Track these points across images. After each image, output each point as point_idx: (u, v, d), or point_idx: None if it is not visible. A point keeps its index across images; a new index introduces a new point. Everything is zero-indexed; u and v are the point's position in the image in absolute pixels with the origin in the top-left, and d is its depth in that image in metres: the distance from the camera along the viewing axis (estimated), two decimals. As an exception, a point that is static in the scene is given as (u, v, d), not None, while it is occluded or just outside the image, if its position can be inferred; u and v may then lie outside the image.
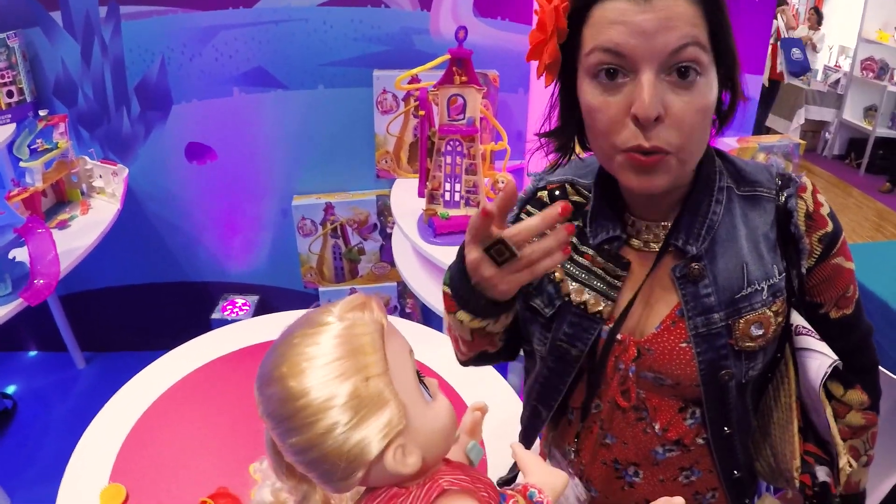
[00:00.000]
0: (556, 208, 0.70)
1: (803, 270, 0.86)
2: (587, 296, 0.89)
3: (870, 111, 6.45)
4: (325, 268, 2.82)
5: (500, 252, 0.72)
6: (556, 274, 0.91)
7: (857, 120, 6.55)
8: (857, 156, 6.52)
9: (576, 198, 0.94)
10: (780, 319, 0.86)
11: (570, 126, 0.86)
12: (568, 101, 0.84)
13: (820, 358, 0.86)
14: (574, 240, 0.92)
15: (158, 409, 1.50)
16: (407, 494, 0.66)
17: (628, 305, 0.87)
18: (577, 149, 0.89)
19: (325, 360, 0.62)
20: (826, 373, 0.85)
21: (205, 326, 2.02)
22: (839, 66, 7.02)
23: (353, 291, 2.81)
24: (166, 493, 1.28)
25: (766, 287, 0.84)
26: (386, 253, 2.79)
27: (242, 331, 1.81)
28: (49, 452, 2.44)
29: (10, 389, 2.79)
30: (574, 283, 0.90)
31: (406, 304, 2.90)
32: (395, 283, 2.85)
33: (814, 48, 6.93)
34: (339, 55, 2.50)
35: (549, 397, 0.95)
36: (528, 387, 1.00)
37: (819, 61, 7.27)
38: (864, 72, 6.39)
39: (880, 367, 1.53)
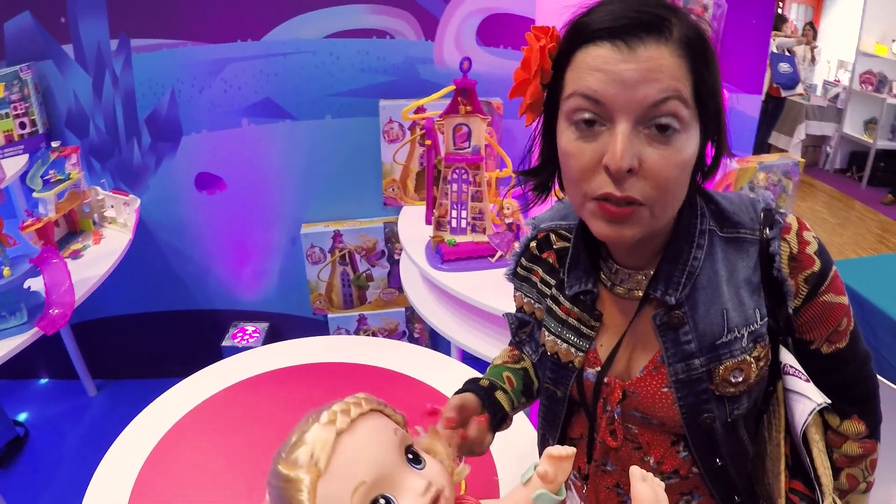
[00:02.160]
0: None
1: (790, 311, 0.84)
2: (559, 347, 0.93)
3: (870, 124, 6.47)
4: (334, 294, 2.85)
5: None
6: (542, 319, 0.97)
7: (857, 133, 6.57)
8: (858, 169, 6.54)
9: (560, 244, 0.96)
10: (761, 364, 0.84)
11: (548, 166, 0.85)
12: (547, 142, 0.83)
13: (804, 402, 0.84)
14: (554, 290, 0.95)
15: (173, 438, 1.51)
16: None
17: (615, 350, 0.88)
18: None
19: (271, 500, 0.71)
20: (807, 420, 0.84)
21: (216, 354, 2.05)
22: (838, 81, 7.05)
23: (361, 318, 2.86)
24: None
25: (746, 334, 0.82)
26: (394, 279, 2.82)
27: (254, 358, 1.82)
28: (62, 480, 2.45)
29: (22, 417, 2.81)
30: (549, 335, 0.94)
31: (414, 328, 2.92)
32: (404, 309, 2.87)
33: (812, 62, 6.98)
34: (346, 86, 2.55)
35: (551, 428, 1.00)
36: (538, 415, 1.05)
37: (818, 76, 7.31)
38: (864, 85, 6.42)
39: (886, 382, 1.54)
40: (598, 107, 0.71)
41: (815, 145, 7.01)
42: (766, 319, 0.84)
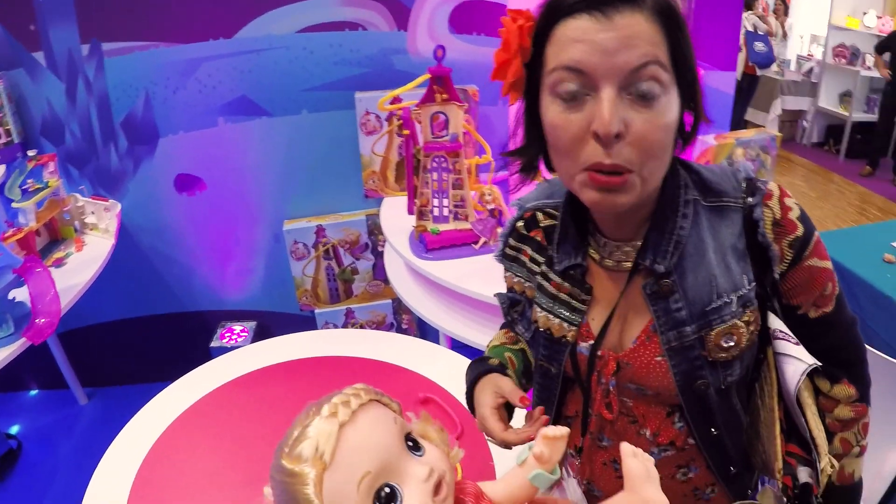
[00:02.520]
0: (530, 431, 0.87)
1: (776, 276, 0.86)
2: (552, 322, 0.94)
3: (845, 97, 6.53)
4: (320, 289, 2.85)
5: None
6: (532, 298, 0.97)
7: (832, 106, 6.63)
8: (835, 142, 6.60)
9: (547, 222, 0.97)
10: (752, 329, 0.86)
11: (533, 145, 0.86)
12: (532, 120, 0.84)
13: (795, 363, 0.86)
14: (543, 267, 0.96)
15: (167, 442, 1.51)
16: None
17: (607, 323, 0.89)
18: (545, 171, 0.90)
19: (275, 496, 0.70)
20: (800, 380, 0.85)
21: (204, 356, 2.04)
22: (812, 55, 7.11)
23: (348, 312, 2.86)
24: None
25: (735, 299, 0.84)
26: (379, 271, 2.82)
27: (243, 357, 1.82)
28: (57, 491, 2.44)
29: (14, 430, 2.79)
30: (541, 312, 0.95)
31: (402, 319, 2.93)
32: (390, 301, 2.88)
33: (784, 37, 7.02)
34: (320, 80, 2.54)
35: (546, 407, 1.00)
36: (533, 394, 1.06)
37: (791, 51, 7.36)
38: (837, 58, 6.47)
39: (872, 349, 1.57)
40: (581, 77, 0.73)
41: (791, 120, 7.07)
42: (753, 284, 0.86)
